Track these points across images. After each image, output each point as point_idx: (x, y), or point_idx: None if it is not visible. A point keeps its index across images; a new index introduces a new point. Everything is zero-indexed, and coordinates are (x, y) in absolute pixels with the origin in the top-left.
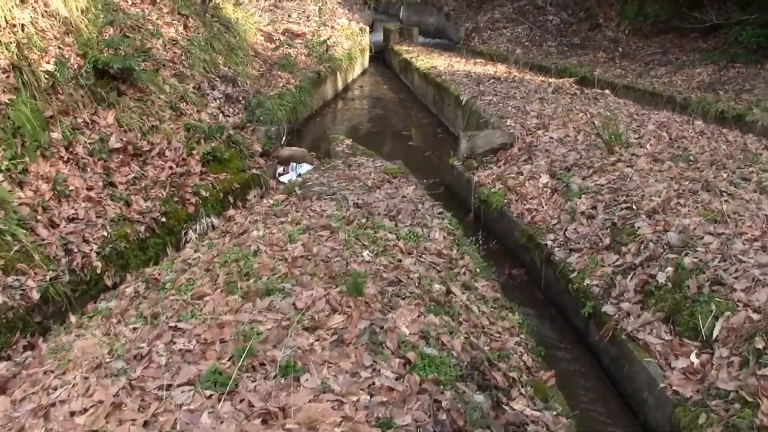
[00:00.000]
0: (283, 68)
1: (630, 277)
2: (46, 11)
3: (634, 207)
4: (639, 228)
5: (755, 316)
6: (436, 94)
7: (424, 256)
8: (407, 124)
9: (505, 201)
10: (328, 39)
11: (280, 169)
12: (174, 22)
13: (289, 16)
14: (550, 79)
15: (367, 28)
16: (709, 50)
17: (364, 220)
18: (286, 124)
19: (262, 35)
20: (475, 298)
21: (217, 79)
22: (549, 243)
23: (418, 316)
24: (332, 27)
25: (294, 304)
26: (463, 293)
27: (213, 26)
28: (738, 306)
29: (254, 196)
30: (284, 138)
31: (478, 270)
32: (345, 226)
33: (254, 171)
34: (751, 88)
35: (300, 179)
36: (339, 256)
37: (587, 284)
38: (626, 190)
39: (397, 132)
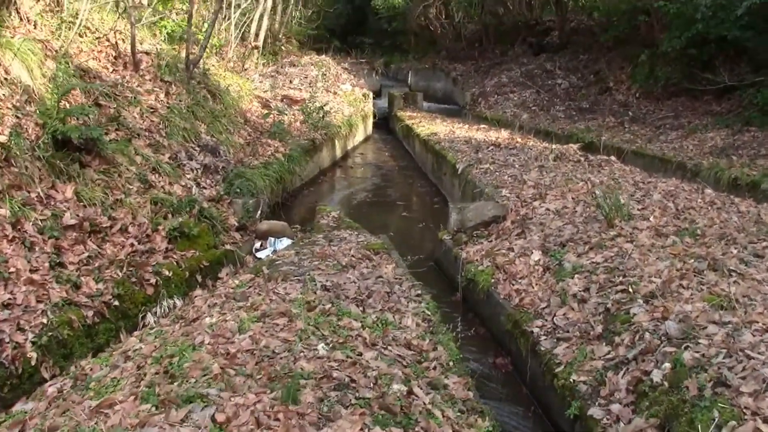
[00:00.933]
0: (274, 136)
1: (622, 373)
2: (6, 79)
3: (630, 290)
4: (635, 315)
5: (766, 428)
6: (434, 161)
7: (390, 347)
8: (405, 193)
9: (493, 280)
10: (325, 105)
11: (258, 245)
12: (155, 89)
13: (291, 81)
14: (554, 145)
15: (371, 94)
16: (723, 113)
17: (328, 306)
18: (270, 196)
19: (258, 102)
20: (442, 400)
21: (196, 148)
22: (536, 330)
23: (361, 429)
24: (334, 93)
25: (214, 416)
26: (427, 394)
27: (198, 93)
28: (745, 414)
29: (226, 274)
30: (262, 211)
31: (451, 363)
32: (306, 313)
33: (228, 247)
34: (767, 153)
35: (271, 257)
36: (289, 350)
37: (574, 380)
38: (624, 270)
39: (392, 202)
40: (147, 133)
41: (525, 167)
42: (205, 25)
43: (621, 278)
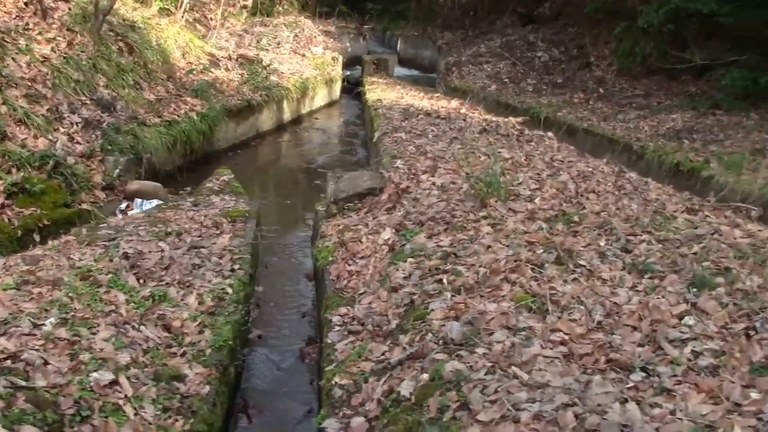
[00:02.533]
0: (195, 94)
1: (384, 380)
2: None
3: (444, 281)
4: (432, 311)
5: None
6: (370, 128)
7: (143, 327)
8: (337, 160)
9: (331, 258)
10: (269, 65)
11: (123, 205)
12: (58, 38)
13: (258, 41)
14: (497, 119)
15: (341, 58)
16: (696, 95)
17: (105, 276)
18: (168, 156)
19: (208, 59)
20: (157, 394)
21: (87, 102)
22: (335, 319)
23: None
24: (303, 55)
25: None
26: (144, 385)
27: (110, 46)
28: None
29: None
30: (145, 170)
31: (209, 351)
32: (75, 282)
33: (85, 206)
34: (724, 139)
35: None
36: (8, 322)
37: (335, 383)
38: (461, 257)
39: (314, 169)
40: (29, 83)
41: (439, 138)
42: None
43: (449, 266)
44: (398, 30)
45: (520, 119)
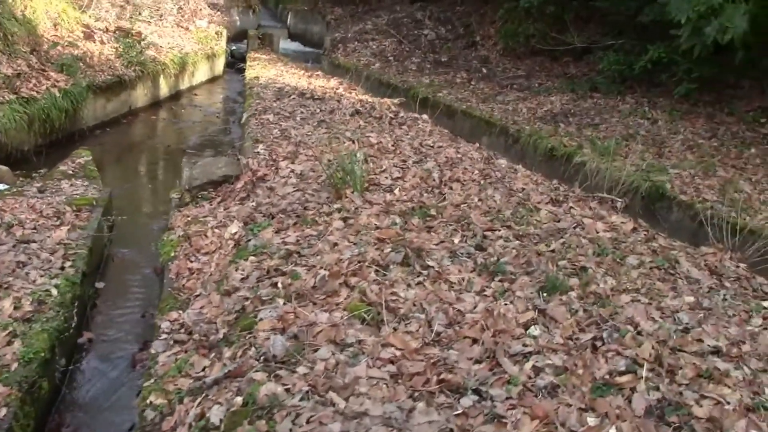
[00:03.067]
0: (62, 69)
1: (199, 401)
2: None
3: (280, 285)
4: (260, 320)
5: None
6: (245, 107)
7: None
8: (209, 140)
9: (173, 254)
10: (144, 39)
11: None
12: None
13: (140, 13)
14: (373, 99)
15: (225, 32)
16: (576, 77)
17: None
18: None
19: (83, 31)
20: None
21: None
22: (164, 325)
23: None
24: (186, 28)
25: None
26: None
27: None
28: None
29: None
30: None
31: (15, 365)
32: None
33: None
34: (599, 123)
35: None
36: None
37: (149, 403)
38: (305, 256)
39: (184, 149)
40: None
41: (306, 121)
42: None
43: (289, 267)
44: (290, 3)
45: (396, 101)
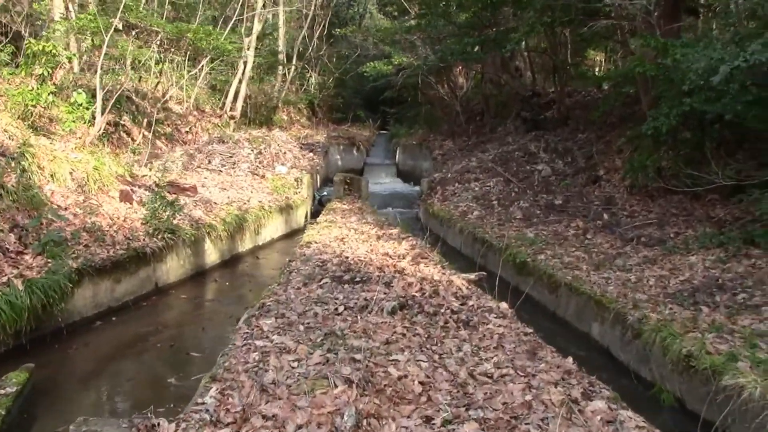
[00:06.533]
0: (44, 249)
1: None
2: None
3: None
4: None
5: None
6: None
7: None
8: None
9: None
10: (175, 201)
11: None
12: None
13: (210, 162)
14: (440, 275)
15: (306, 179)
16: (726, 223)
17: None
18: None
19: (121, 189)
20: None
21: None
22: None
23: None
24: (262, 176)
25: None
26: None
27: None
28: None
29: None
30: None
31: None
32: None
33: None
34: (761, 304)
35: None
36: None
37: None
38: None
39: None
40: None
41: (310, 333)
42: None
43: None
44: (402, 138)
45: (473, 276)
